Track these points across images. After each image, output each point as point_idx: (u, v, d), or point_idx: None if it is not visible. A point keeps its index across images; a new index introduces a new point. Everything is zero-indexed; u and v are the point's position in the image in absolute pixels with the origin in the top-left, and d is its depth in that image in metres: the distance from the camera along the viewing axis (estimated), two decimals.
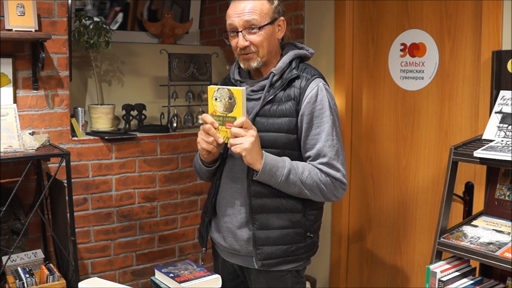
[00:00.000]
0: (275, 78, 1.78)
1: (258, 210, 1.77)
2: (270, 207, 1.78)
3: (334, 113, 1.77)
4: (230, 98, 1.64)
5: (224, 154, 1.86)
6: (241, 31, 1.73)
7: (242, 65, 1.81)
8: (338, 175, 1.75)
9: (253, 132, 1.65)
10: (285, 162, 1.72)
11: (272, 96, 1.77)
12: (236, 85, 1.86)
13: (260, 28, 1.72)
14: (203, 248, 2.00)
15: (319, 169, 1.74)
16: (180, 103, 3.28)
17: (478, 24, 2.30)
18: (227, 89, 1.64)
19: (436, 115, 2.53)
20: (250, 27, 1.72)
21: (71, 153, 2.35)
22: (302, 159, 1.79)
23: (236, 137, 1.65)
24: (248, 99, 1.80)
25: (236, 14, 1.73)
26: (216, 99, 1.67)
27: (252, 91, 1.82)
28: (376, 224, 2.87)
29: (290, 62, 1.81)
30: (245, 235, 1.81)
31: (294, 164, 1.73)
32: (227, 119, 1.66)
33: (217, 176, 1.89)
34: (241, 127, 1.64)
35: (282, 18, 1.80)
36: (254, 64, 1.77)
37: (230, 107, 1.65)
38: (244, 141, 1.63)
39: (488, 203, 1.98)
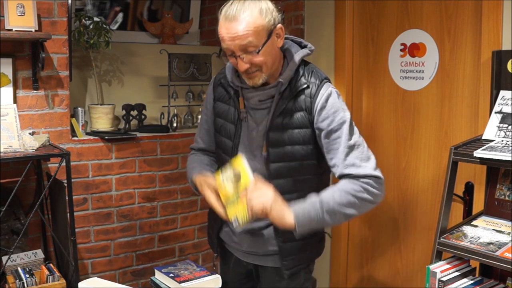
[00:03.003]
0: (283, 87, 1.68)
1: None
2: None
3: (348, 112, 1.68)
4: (234, 174, 1.62)
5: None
6: (239, 56, 1.61)
7: (247, 82, 1.70)
8: (366, 172, 1.62)
9: (268, 188, 1.58)
10: (312, 198, 1.62)
11: (285, 106, 1.68)
12: (237, 90, 1.77)
13: (260, 48, 1.59)
14: (215, 254, 1.97)
15: (347, 178, 1.64)
16: (180, 103, 3.28)
17: (478, 24, 2.30)
18: (230, 168, 1.63)
19: (436, 115, 2.53)
20: (247, 50, 1.59)
21: (71, 153, 2.35)
22: (321, 168, 1.73)
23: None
24: (256, 109, 1.73)
25: (230, 38, 1.59)
26: (223, 181, 1.65)
27: (259, 100, 1.72)
28: (376, 224, 2.87)
29: (297, 68, 1.71)
30: (264, 236, 1.79)
31: (321, 195, 1.63)
32: (240, 192, 1.62)
33: None
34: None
35: (279, 25, 1.63)
36: (259, 81, 1.67)
37: (237, 178, 1.63)
38: (264, 198, 1.56)
39: (488, 203, 1.98)
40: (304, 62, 1.74)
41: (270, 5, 1.63)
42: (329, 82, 1.72)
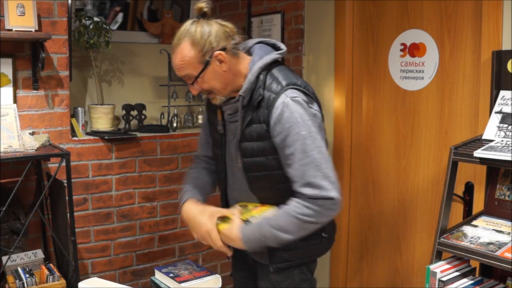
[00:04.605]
0: (245, 100, 1.68)
1: None
2: None
3: (306, 125, 1.61)
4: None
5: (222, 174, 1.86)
6: (188, 82, 1.70)
7: None
8: (321, 193, 1.59)
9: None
10: (258, 223, 1.68)
11: (250, 118, 1.69)
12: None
13: (196, 78, 1.66)
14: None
15: (297, 197, 1.63)
16: (180, 103, 3.28)
17: (478, 24, 2.30)
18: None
19: (436, 115, 2.53)
20: (189, 79, 1.67)
21: (71, 153, 2.35)
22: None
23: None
24: (229, 121, 1.77)
25: (174, 68, 1.70)
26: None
27: (229, 114, 1.76)
28: (376, 224, 2.87)
29: (258, 77, 1.67)
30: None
31: (269, 217, 1.67)
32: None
33: (222, 191, 1.91)
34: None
35: (217, 52, 1.62)
36: (218, 101, 1.72)
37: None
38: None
39: (488, 203, 1.98)
40: (268, 68, 1.69)
41: (208, 31, 1.62)
42: (294, 88, 1.64)
